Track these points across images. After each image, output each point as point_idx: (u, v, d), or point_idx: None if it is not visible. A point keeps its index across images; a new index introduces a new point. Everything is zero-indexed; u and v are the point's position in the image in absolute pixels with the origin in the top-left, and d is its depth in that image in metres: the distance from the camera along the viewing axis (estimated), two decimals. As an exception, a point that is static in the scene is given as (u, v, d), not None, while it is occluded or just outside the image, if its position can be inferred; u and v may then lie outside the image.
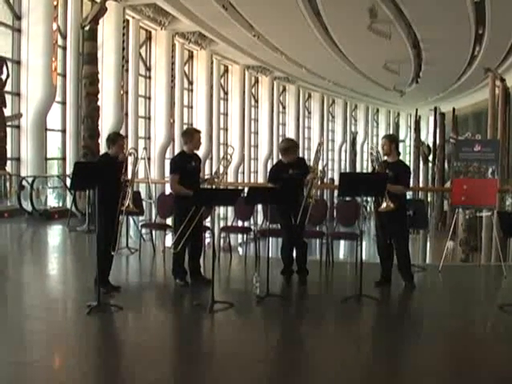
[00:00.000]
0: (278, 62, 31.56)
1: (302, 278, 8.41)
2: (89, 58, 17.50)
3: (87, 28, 17.59)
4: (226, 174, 8.71)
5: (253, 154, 35.70)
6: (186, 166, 7.96)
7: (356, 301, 7.29)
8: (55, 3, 17.58)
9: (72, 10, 19.14)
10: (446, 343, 6.15)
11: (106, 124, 18.91)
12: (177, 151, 23.72)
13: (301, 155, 8.74)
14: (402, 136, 54.87)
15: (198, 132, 8.26)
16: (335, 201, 12.59)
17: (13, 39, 17.43)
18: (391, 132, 51.52)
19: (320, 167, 8.38)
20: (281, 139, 37.59)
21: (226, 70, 32.67)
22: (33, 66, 17.14)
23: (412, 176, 8.96)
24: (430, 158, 34.40)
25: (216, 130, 30.51)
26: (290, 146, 8.46)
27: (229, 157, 8.70)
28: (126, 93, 22.33)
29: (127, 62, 22.19)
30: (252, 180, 34.39)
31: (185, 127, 25.00)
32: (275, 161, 36.30)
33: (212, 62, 29.51)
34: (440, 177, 30.19)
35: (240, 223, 10.51)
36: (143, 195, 12.03)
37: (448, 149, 29.64)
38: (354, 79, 35.55)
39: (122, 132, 20.55)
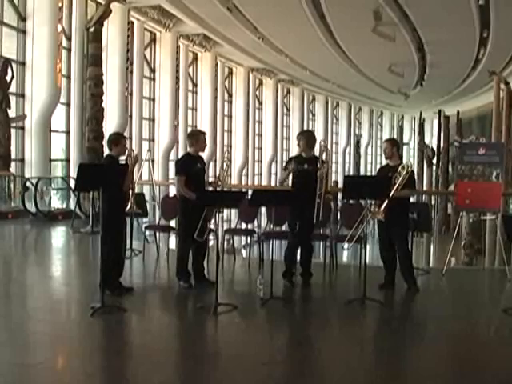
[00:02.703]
0: (283, 65, 31.60)
1: (306, 280, 8.41)
2: (93, 60, 17.55)
3: (92, 30, 17.65)
4: (230, 176, 8.70)
5: (257, 156, 35.71)
6: (191, 167, 7.96)
7: (360, 303, 7.29)
8: (60, 5, 17.62)
9: (77, 11, 19.21)
10: (449, 346, 6.14)
11: (110, 126, 18.93)
12: (181, 153, 23.80)
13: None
14: (406, 139, 54.87)
15: (203, 133, 8.27)
16: (339, 203, 12.56)
17: (18, 40, 17.50)
18: (395, 135, 51.53)
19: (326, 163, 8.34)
20: (285, 142, 37.80)
21: (231, 72, 32.70)
22: (37, 67, 17.19)
23: (416, 179, 8.94)
24: (434, 161, 34.35)
25: (220, 132, 30.53)
26: (304, 139, 8.46)
27: (226, 163, 8.81)
28: (131, 94, 22.39)
29: (132, 63, 22.23)
30: (256, 182, 34.38)
31: (189, 129, 25.03)
32: (279, 163, 36.44)
33: (216, 64, 29.54)
34: (444, 180, 30.16)
35: (244, 225, 10.51)
36: (147, 197, 12.04)
37: (452, 152, 29.62)
38: (359, 82, 35.57)
39: (126, 134, 20.57)
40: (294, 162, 8.32)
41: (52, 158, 18.94)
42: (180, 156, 9.22)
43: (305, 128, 40.61)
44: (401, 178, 7.82)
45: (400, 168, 7.93)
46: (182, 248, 8.10)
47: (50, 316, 6.75)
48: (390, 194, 7.68)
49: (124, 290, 7.53)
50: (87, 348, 5.79)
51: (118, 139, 7.69)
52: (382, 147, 8.43)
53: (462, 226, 15.45)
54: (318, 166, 8.14)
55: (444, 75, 31.53)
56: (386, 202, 7.73)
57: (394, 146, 8.31)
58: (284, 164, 8.88)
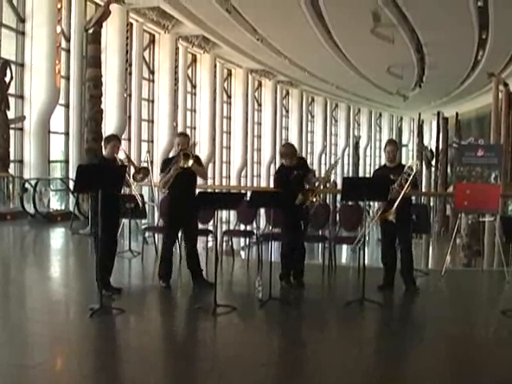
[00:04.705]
0: (281, 66, 31.61)
1: (300, 280, 8.33)
2: (92, 61, 17.47)
3: (91, 31, 17.56)
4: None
5: (256, 158, 35.71)
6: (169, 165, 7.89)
7: (358, 305, 7.28)
8: (59, 6, 17.62)
9: (76, 12, 19.23)
10: (448, 347, 6.13)
11: (109, 127, 18.91)
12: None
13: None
14: (404, 140, 54.84)
15: (178, 135, 8.30)
16: (338, 205, 12.56)
17: (17, 42, 17.50)
18: (394, 136, 51.50)
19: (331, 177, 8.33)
20: (283, 143, 37.65)
21: (230, 74, 32.71)
22: (36, 68, 17.18)
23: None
24: (433, 162, 34.34)
25: (219, 133, 30.52)
26: (290, 152, 8.36)
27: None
28: (130, 96, 22.38)
29: (131, 65, 22.24)
30: (255, 184, 34.38)
31: (188, 131, 25.03)
32: (278, 164, 36.40)
33: (215, 66, 29.55)
34: (443, 181, 30.12)
35: (242, 227, 10.51)
36: (146, 198, 12.02)
37: (451, 153, 29.60)
38: (357, 83, 35.59)
39: (125, 135, 20.59)
40: (284, 175, 8.26)
41: (51, 159, 18.94)
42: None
43: (303, 129, 40.74)
44: (410, 179, 7.84)
45: (407, 168, 7.93)
46: (164, 247, 8.09)
47: (48, 317, 6.75)
48: (401, 194, 7.69)
49: (111, 288, 7.47)
50: (85, 349, 5.79)
51: (108, 139, 7.75)
52: (387, 149, 8.30)
53: (461, 227, 15.46)
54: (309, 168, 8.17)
55: (443, 77, 31.56)
56: (397, 202, 7.69)
57: (398, 149, 8.37)
58: (274, 180, 8.77)
